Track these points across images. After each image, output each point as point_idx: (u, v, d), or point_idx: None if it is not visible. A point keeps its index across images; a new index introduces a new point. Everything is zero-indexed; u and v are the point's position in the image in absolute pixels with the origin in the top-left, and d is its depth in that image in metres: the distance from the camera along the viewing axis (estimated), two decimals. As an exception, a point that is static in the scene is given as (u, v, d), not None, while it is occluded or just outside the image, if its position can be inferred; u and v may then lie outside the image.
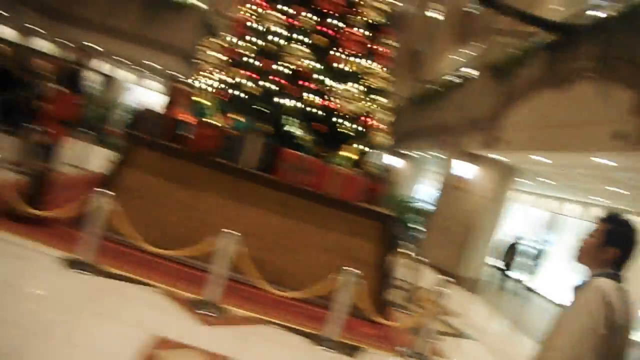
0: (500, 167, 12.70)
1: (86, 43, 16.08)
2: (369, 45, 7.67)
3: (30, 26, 16.55)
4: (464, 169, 12.96)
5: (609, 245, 2.68)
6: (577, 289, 2.69)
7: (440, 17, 24.03)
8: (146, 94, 23.45)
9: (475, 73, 14.09)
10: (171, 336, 4.55)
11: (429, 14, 26.47)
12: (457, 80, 15.00)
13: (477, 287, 12.81)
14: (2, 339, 3.72)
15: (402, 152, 21.32)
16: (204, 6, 17.02)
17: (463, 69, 16.71)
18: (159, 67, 17.88)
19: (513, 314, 12.51)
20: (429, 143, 16.74)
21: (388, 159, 22.37)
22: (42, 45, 17.74)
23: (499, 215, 13.24)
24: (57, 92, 6.42)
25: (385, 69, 7.94)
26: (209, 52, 7.61)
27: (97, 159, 11.48)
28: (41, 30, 16.63)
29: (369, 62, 7.60)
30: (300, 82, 7.18)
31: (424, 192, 21.27)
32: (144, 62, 17.77)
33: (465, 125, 13.22)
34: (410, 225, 15.20)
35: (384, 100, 7.88)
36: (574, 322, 2.53)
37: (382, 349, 5.91)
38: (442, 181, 14.17)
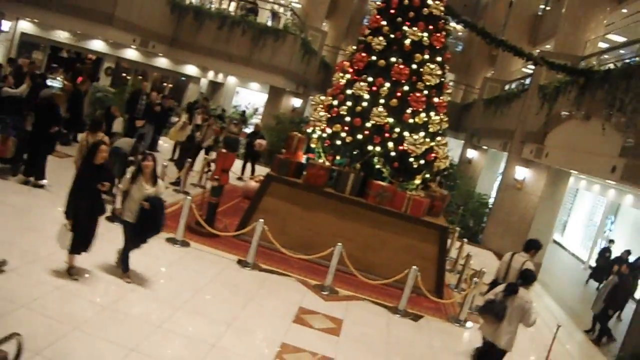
0: (552, 172, 15.67)
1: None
2: (430, 101, 10.96)
3: (160, 55, 20.82)
4: (521, 171, 16.00)
5: None
6: None
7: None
8: (251, 96, 27.66)
9: (533, 84, 16.93)
10: (307, 307, 8.24)
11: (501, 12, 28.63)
12: (520, 89, 17.81)
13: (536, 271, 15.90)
14: (223, 306, 7.51)
15: (476, 145, 24.21)
16: (299, 32, 20.66)
17: (526, 79, 19.45)
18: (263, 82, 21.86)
19: (559, 295, 15.44)
20: (495, 142, 19.78)
21: (467, 152, 25.34)
22: (163, 62, 22.05)
23: (554, 212, 16.20)
24: (223, 154, 10.31)
25: (442, 115, 11.23)
26: (319, 109, 11.17)
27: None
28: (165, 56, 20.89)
29: (431, 113, 10.89)
30: (382, 133, 10.63)
31: (491, 184, 24.13)
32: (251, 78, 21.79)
33: (522, 134, 16.21)
34: (476, 216, 18.36)
35: (441, 138, 11.17)
36: None
37: (436, 317, 9.41)
38: (503, 179, 17.24)
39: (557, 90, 13.78)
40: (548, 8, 25.16)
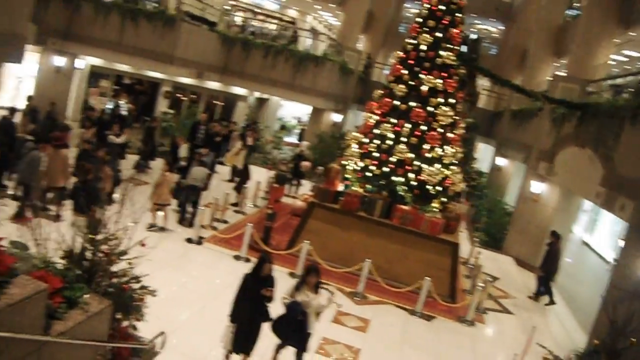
0: (565, 187, 18.05)
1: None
2: (445, 137, 13.60)
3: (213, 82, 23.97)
4: (537, 185, 18.42)
5: None
6: None
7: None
8: (295, 108, 30.60)
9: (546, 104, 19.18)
10: (342, 310, 11.05)
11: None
12: (537, 107, 19.97)
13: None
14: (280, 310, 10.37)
15: (504, 153, 26.42)
16: (337, 57, 23.48)
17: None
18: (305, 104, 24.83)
19: (569, 296, 17.70)
20: (517, 154, 22.17)
21: (496, 159, 27.62)
22: (214, 84, 25.11)
23: (569, 223, 18.51)
24: (274, 187, 13.23)
25: (456, 148, 13.87)
26: (353, 145, 13.95)
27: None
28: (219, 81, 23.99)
29: (446, 147, 13.52)
30: (404, 166, 13.35)
31: (514, 192, 26.30)
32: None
33: (538, 150, 18.59)
34: (499, 224, 20.81)
35: (456, 168, 13.81)
36: None
37: (447, 318, 12.12)
38: (521, 191, 19.66)
39: (562, 116, 16.20)
40: (569, 19, 26.66)
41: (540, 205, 18.37)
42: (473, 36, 32.26)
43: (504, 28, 38.32)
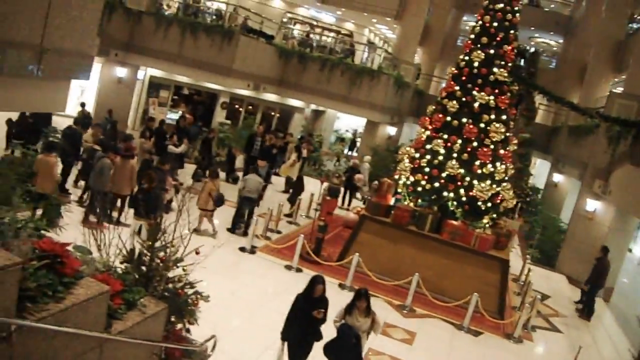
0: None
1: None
2: (496, 153, 13.63)
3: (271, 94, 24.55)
4: (592, 203, 18.18)
5: None
6: None
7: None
8: (351, 120, 30.93)
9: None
10: (390, 322, 11.22)
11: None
12: (594, 124, 19.66)
13: (609, 295, 17.83)
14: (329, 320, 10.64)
15: (560, 169, 25.96)
16: (393, 71, 23.70)
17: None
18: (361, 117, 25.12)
19: (622, 316, 17.35)
20: (573, 171, 21.86)
21: (553, 175, 27.23)
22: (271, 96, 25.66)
23: (625, 242, 18.20)
24: (327, 200, 13.54)
25: (507, 165, 13.88)
26: (405, 160, 14.14)
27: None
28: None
29: (497, 164, 13.55)
30: (455, 182, 13.43)
31: (570, 209, 25.83)
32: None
33: (593, 168, 18.33)
34: (553, 242, 20.57)
35: (507, 185, 13.81)
36: None
37: (495, 334, 12.13)
38: (576, 208, 19.39)
39: (618, 134, 15.99)
40: (631, 32, 25.92)
41: (595, 223, 18.10)
42: (532, 50, 32.00)
43: (563, 41, 37.68)
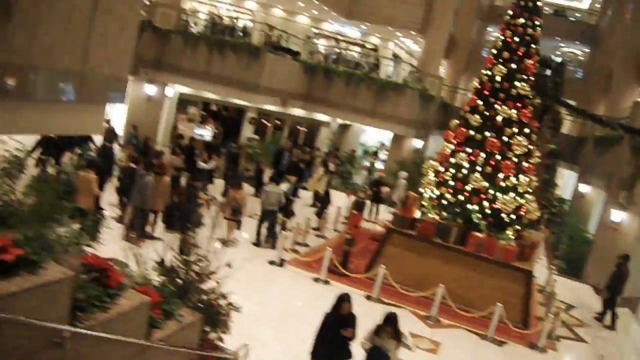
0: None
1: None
2: (519, 166, 13.86)
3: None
4: (617, 214, 18.20)
5: None
6: None
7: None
8: (377, 133, 31.26)
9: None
10: (415, 332, 11.48)
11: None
12: (619, 133, 19.62)
13: (636, 306, 17.74)
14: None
15: (586, 180, 25.83)
16: (418, 85, 24.01)
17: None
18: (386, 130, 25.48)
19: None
20: (599, 182, 21.84)
21: (579, 186, 27.13)
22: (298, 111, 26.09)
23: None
24: (353, 214, 13.88)
25: (531, 177, 14.09)
26: (430, 173, 14.44)
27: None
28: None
29: (520, 176, 13.78)
30: (479, 195, 13.70)
31: (597, 220, 25.68)
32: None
33: (618, 178, 18.36)
34: (579, 252, 20.59)
35: (531, 197, 14.02)
36: None
37: (519, 344, 12.31)
38: (601, 219, 19.40)
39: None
40: None
41: (621, 234, 18.11)
42: (558, 60, 31.98)
43: (589, 51, 37.55)
